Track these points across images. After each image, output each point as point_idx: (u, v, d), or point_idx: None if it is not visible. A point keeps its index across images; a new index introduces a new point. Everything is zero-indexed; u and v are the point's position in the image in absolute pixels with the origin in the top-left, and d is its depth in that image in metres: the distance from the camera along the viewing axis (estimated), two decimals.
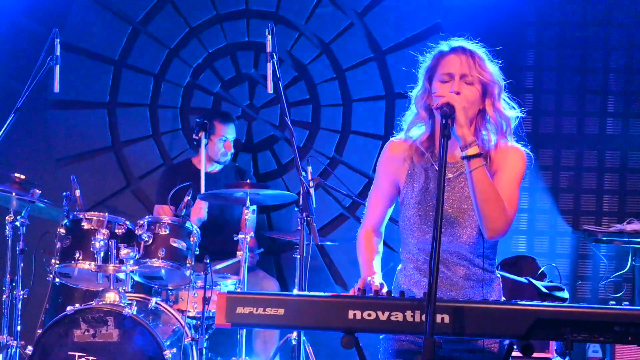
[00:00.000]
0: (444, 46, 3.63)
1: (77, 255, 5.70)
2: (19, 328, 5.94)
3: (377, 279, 3.53)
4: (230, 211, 6.94)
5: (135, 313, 5.53)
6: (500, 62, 3.66)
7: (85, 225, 5.76)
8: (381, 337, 3.69)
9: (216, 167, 7.11)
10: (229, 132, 7.04)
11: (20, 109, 5.87)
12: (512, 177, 3.54)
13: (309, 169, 6.34)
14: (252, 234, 6.35)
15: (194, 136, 6.99)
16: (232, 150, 7.07)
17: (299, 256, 5.34)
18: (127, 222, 5.88)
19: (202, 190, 6.55)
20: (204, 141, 6.90)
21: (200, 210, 6.63)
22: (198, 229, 6.04)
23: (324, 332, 3.28)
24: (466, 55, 3.55)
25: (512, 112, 3.63)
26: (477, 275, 3.62)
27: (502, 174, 3.55)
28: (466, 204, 3.59)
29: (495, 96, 3.57)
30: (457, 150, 3.58)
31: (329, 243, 7.04)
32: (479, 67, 3.54)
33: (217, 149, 7.00)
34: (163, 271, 5.95)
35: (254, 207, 6.80)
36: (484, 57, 3.60)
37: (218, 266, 6.41)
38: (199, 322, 5.96)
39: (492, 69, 3.59)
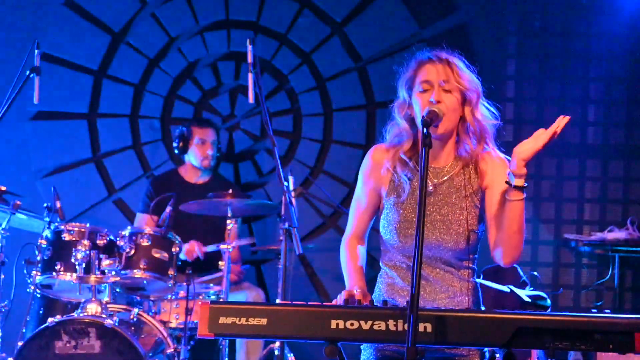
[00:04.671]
0: (420, 55, 3.65)
1: (58, 266, 5.68)
2: None
3: (361, 289, 3.52)
4: (214, 222, 6.92)
5: (117, 324, 5.50)
6: (477, 68, 3.67)
7: (67, 237, 5.74)
8: (362, 345, 3.69)
9: (202, 178, 7.10)
10: (207, 135, 7.03)
11: (0, 120, 5.84)
12: None
13: (291, 178, 6.33)
14: (235, 243, 6.34)
15: (174, 145, 7.04)
16: (213, 153, 7.05)
17: (281, 266, 5.33)
18: (109, 233, 5.86)
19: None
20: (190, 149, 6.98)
21: (190, 254, 6.63)
22: (180, 240, 6.02)
23: (306, 341, 3.28)
24: (443, 64, 3.57)
25: (491, 118, 3.64)
26: (461, 282, 3.63)
27: (500, 191, 3.54)
28: (452, 210, 3.60)
29: (474, 103, 3.59)
30: (442, 155, 3.63)
31: (310, 246, 7.04)
32: (456, 75, 3.55)
33: (197, 153, 7.01)
34: (145, 282, 5.93)
35: (239, 218, 6.82)
36: (461, 64, 3.61)
37: (200, 279, 6.42)
38: (181, 332, 5.94)
39: (470, 76, 3.61)
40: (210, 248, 6.60)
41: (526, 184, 3.45)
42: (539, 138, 3.35)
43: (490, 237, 3.59)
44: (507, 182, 3.43)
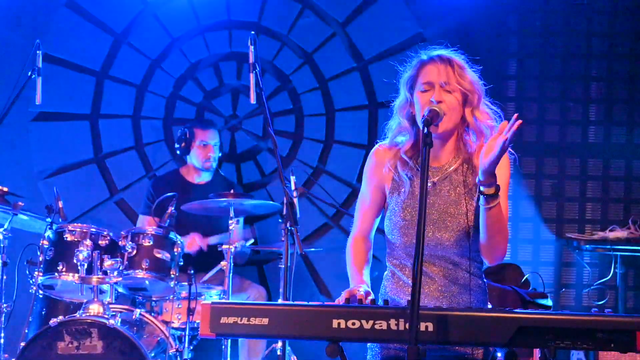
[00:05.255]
0: (422, 55, 3.66)
1: (61, 267, 5.68)
2: (1, 341, 5.91)
3: (363, 288, 3.53)
4: (217, 222, 6.93)
5: (119, 324, 5.51)
6: (480, 67, 3.67)
7: (69, 237, 5.74)
8: (368, 344, 3.70)
9: (204, 179, 7.11)
10: (210, 137, 7.04)
11: (1, 120, 5.85)
12: (503, 190, 3.54)
13: (293, 178, 6.34)
14: (237, 244, 6.34)
15: (176, 146, 7.06)
16: (215, 155, 7.06)
17: (283, 266, 5.34)
18: (111, 234, 5.86)
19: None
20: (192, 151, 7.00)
21: (191, 245, 6.65)
22: (182, 240, 6.03)
23: (308, 341, 3.28)
24: (444, 64, 3.58)
25: (493, 118, 3.64)
26: (464, 279, 3.64)
27: None
28: (452, 207, 3.61)
29: (475, 104, 3.59)
30: (443, 155, 3.64)
31: (312, 249, 7.04)
32: (457, 76, 3.56)
33: (199, 155, 7.01)
34: (147, 282, 5.94)
35: (241, 217, 6.82)
36: (463, 64, 3.62)
37: (205, 277, 6.43)
38: (183, 332, 5.95)
39: (472, 76, 3.61)
40: (213, 240, 6.61)
41: (497, 188, 3.39)
42: (496, 144, 3.29)
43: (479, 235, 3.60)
44: (478, 191, 3.42)
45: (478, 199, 3.59)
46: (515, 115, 3.25)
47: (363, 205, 3.83)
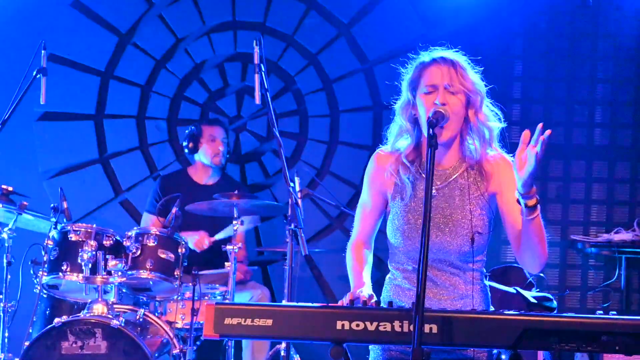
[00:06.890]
0: (425, 57, 3.65)
1: (65, 267, 5.69)
2: (6, 341, 5.91)
3: (366, 290, 3.52)
4: (222, 223, 6.92)
5: (123, 325, 5.51)
6: (484, 69, 3.66)
7: (73, 237, 5.74)
8: (370, 346, 3.69)
9: (212, 179, 7.10)
10: (217, 133, 7.05)
11: (6, 121, 5.85)
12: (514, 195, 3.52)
13: (297, 179, 6.32)
14: (240, 244, 6.34)
15: (184, 144, 7.06)
16: (224, 150, 7.05)
17: (287, 267, 5.33)
18: (115, 234, 5.86)
19: None
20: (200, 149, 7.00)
21: (200, 244, 6.65)
22: (185, 239, 6.03)
23: (312, 342, 3.28)
24: (447, 66, 3.56)
25: (495, 121, 3.64)
26: (466, 284, 3.63)
27: (514, 195, 3.44)
28: (457, 212, 3.60)
29: (477, 106, 3.58)
30: (445, 158, 3.63)
31: (317, 250, 7.04)
32: (461, 77, 3.55)
33: (207, 150, 7.01)
34: (151, 282, 5.93)
35: (247, 218, 6.81)
36: (466, 66, 3.61)
37: (205, 272, 6.42)
38: (187, 333, 5.94)
39: (474, 78, 3.60)
40: (219, 236, 6.60)
41: (538, 199, 3.36)
42: (532, 158, 3.27)
43: (513, 245, 3.59)
44: (518, 202, 3.38)
45: (489, 206, 3.58)
46: (541, 125, 3.25)
47: (364, 210, 3.82)
